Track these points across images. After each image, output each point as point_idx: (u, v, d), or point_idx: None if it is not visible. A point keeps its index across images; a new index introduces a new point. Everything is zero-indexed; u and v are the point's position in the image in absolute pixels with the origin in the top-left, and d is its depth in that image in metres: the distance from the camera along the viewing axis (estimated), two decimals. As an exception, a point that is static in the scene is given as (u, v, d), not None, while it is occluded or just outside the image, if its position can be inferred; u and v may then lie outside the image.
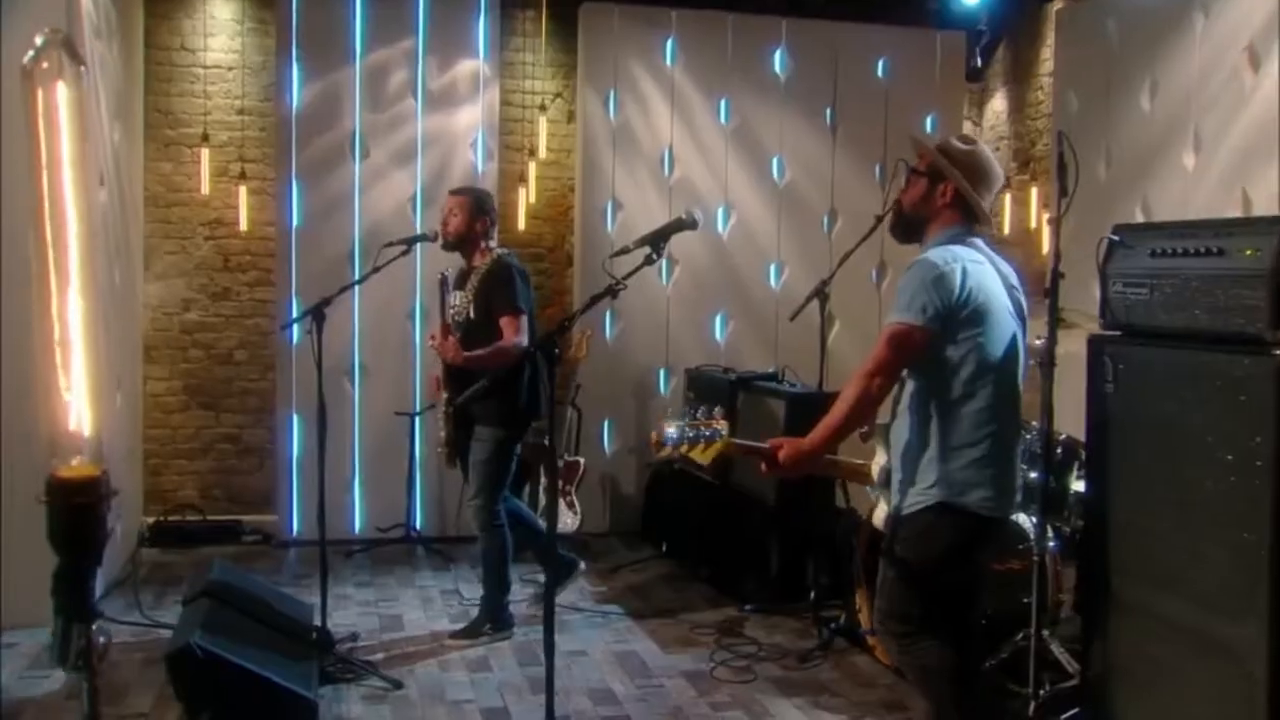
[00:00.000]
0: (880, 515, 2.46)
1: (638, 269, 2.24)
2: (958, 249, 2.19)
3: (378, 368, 4.88)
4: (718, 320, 5.23)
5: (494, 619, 3.58)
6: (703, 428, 1.98)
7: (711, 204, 5.16)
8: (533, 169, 5.03)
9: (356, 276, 4.63)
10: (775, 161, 5.26)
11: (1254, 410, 2.27)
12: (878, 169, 5.32)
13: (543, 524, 3.50)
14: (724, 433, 2.01)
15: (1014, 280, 2.26)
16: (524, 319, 3.42)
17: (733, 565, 4.17)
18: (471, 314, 3.45)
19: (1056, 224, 2.65)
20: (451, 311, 3.53)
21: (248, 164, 4.93)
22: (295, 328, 3.76)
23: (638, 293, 4.88)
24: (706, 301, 5.19)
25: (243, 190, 4.80)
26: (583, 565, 3.97)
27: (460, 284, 3.58)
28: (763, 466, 2.11)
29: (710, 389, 4.55)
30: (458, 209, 3.53)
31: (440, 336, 3.44)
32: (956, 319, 2.14)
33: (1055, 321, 2.66)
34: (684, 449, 1.96)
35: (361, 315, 4.82)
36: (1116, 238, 2.65)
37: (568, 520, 4.53)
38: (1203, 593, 2.37)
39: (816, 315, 3.59)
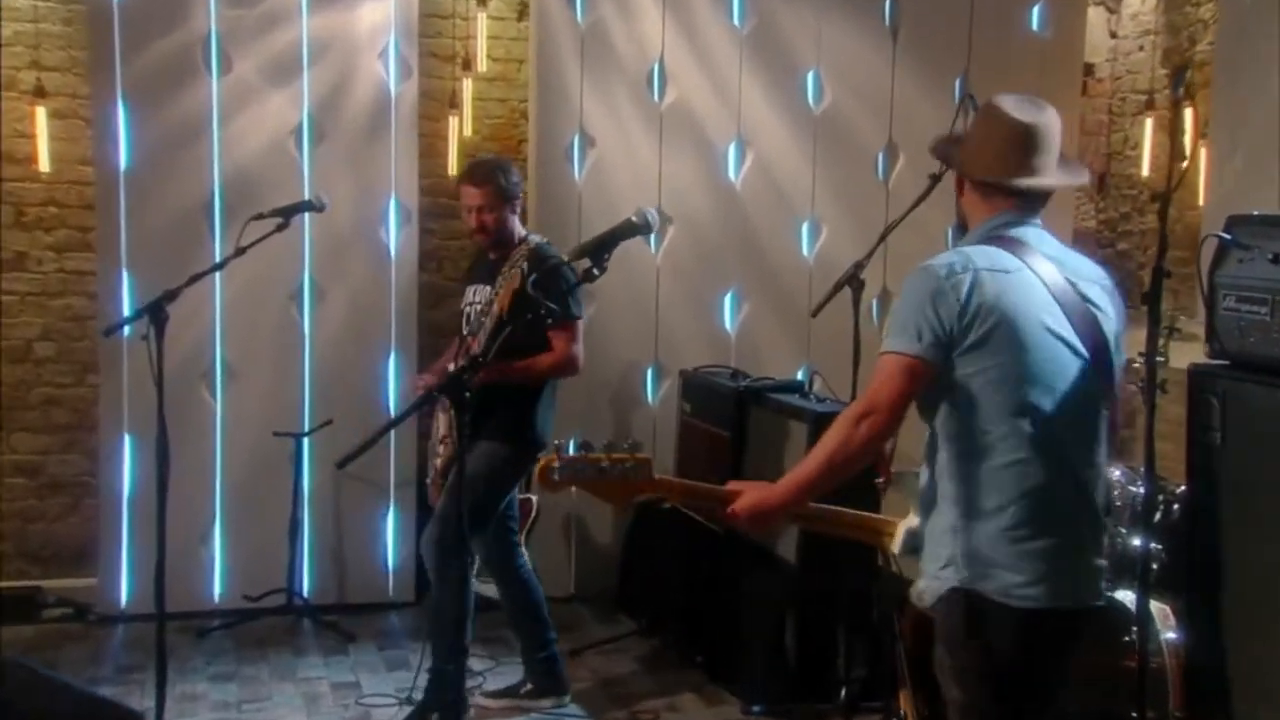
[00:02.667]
0: (920, 594, 2.41)
1: (574, 287, 2.39)
2: (977, 249, 2.24)
3: (249, 371, 4.74)
4: (726, 303, 5.16)
5: (443, 706, 3.57)
6: (613, 466, 2.03)
7: (720, 139, 5.08)
8: (468, 89, 4.92)
9: (216, 245, 4.59)
10: (810, 78, 5.16)
11: None
12: (956, 87, 5.13)
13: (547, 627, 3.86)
14: (637, 473, 2.05)
15: (1091, 286, 2.26)
16: (578, 326, 3.65)
17: (736, 647, 4.13)
18: (503, 317, 3.51)
19: (1164, 207, 2.56)
20: (474, 310, 3.69)
21: (46, 74, 4.67)
22: (127, 327, 3.67)
23: (617, 264, 4.71)
24: (712, 276, 5.12)
25: (40, 113, 4.57)
26: (568, 698, 3.96)
27: (483, 276, 3.72)
28: (714, 512, 2.20)
29: (710, 399, 4.52)
30: (487, 204, 3.66)
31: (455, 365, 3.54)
32: (962, 345, 2.17)
33: (1156, 333, 2.57)
34: (583, 482, 1.99)
35: (226, 297, 4.68)
36: (1228, 236, 2.61)
37: None
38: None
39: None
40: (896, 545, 2.37)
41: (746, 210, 5.08)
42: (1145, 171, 5.03)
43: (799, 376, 4.68)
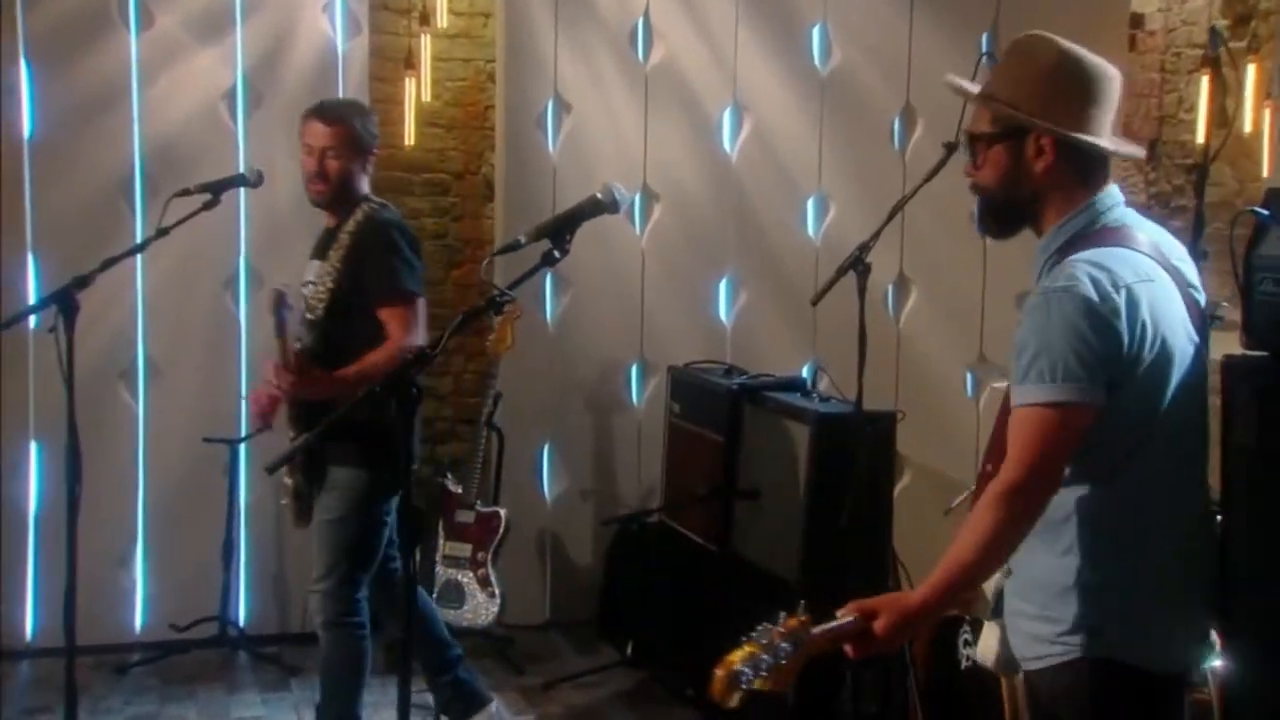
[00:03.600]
0: (990, 650, 2.32)
1: (531, 273, 2.38)
2: (1110, 255, 2.07)
3: (176, 368, 4.67)
4: (722, 290, 5.17)
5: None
6: (780, 643, 2.01)
7: (714, 103, 5.10)
8: (427, 47, 4.84)
9: (138, 225, 4.52)
10: (815, 33, 5.16)
11: None
12: (984, 42, 5.08)
13: (456, 653, 3.76)
14: (801, 640, 2.02)
15: (1189, 270, 2.19)
16: (418, 307, 3.48)
17: None
18: (335, 300, 3.45)
19: (1200, 180, 2.69)
20: (304, 295, 3.54)
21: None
22: (32, 318, 3.67)
23: (596, 247, 4.83)
24: (704, 260, 5.13)
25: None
26: (494, 704, 3.90)
27: (318, 251, 3.57)
28: (848, 650, 2.08)
29: (701, 399, 4.51)
30: (335, 144, 3.50)
31: (286, 368, 3.38)
32: (1133, 377, 2.03)
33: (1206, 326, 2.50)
34: (763, 683, 1.97)
35: (149, 284, 4.61)
36: (1265, 211, 2.56)
37: (481, 608, 4.42)
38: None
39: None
40: (989, 602, 2.28)
41: (743, 185, 5.07)
42: (1200, 138, 4.89)
43: (804, 373, 4.65)
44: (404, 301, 3.41)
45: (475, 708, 3.80)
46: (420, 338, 3.42)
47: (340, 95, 4.60)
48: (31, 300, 4.15)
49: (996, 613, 2.24)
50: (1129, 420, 2.04)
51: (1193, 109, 5.01)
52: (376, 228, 3.44)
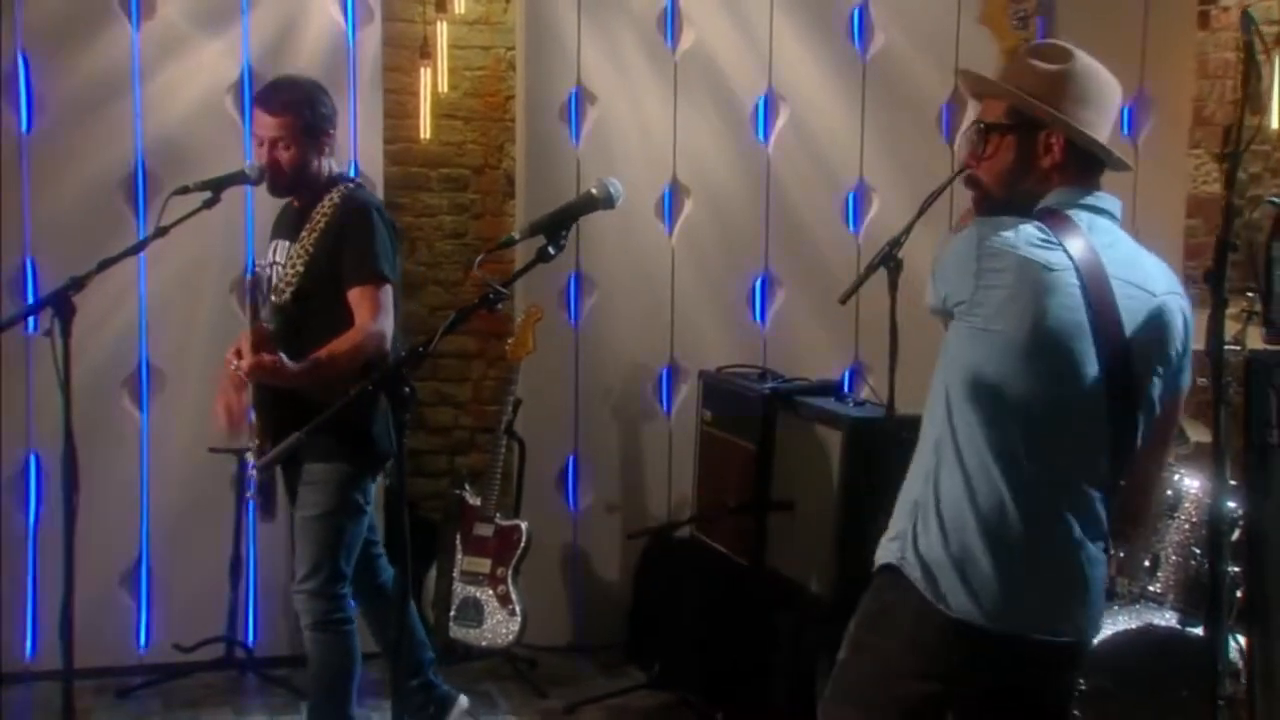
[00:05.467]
0: None
1: (524, 270, 2.47)
2: (1018, 221, 2.27)
3: (181, 376, 4.63)
4: (757, 290, 5.14)
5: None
6: None
7: (747, 92, 5.09)
8: (443, 34, 4.82)
9: (141, 226, 4.48)
10: (856, 16, 5.13)
11: None
12: (1039, 25, 5.00)
13: (428, 657, 3.83)
14: None
15: (1152, 286, 2.32)
16: (388, 291, 3.50)
17: (762, 700, 4.15)
18: (303, 283, 3.48)
19: (1232, 169, 2.55)
20: (268, 276, 3.60)
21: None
22: (29, 320, 3.62)
23: (623, 245, 4.93)
24: (738, 258, 5.10)
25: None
26: (464, 702, 3.97)
27: (285, 230, 3.62)
28: None
29: (733, 405, 4.50)
30: (284, 135, 3.52)
31: (248, 352, 3.41)
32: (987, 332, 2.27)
33: (1221, 316, 2.57)
34: None
35: (153, 288, 4.60)
36: None
37: (500, 626, 4.38)
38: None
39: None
40: None
41: (779, 178, 5.05)
42: (1275, 123, 4.80)
43: (835, 377, 4.62)
44: (375, 283, 3.43)
45: (448, 707, 3.86)
46: (389, 325, 3.46)
47: (353, 86, 4.60)
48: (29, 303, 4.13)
49: None
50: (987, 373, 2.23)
51: (1271, 91, 4.85)
52: (355, 209, 3.48)
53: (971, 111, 4.93)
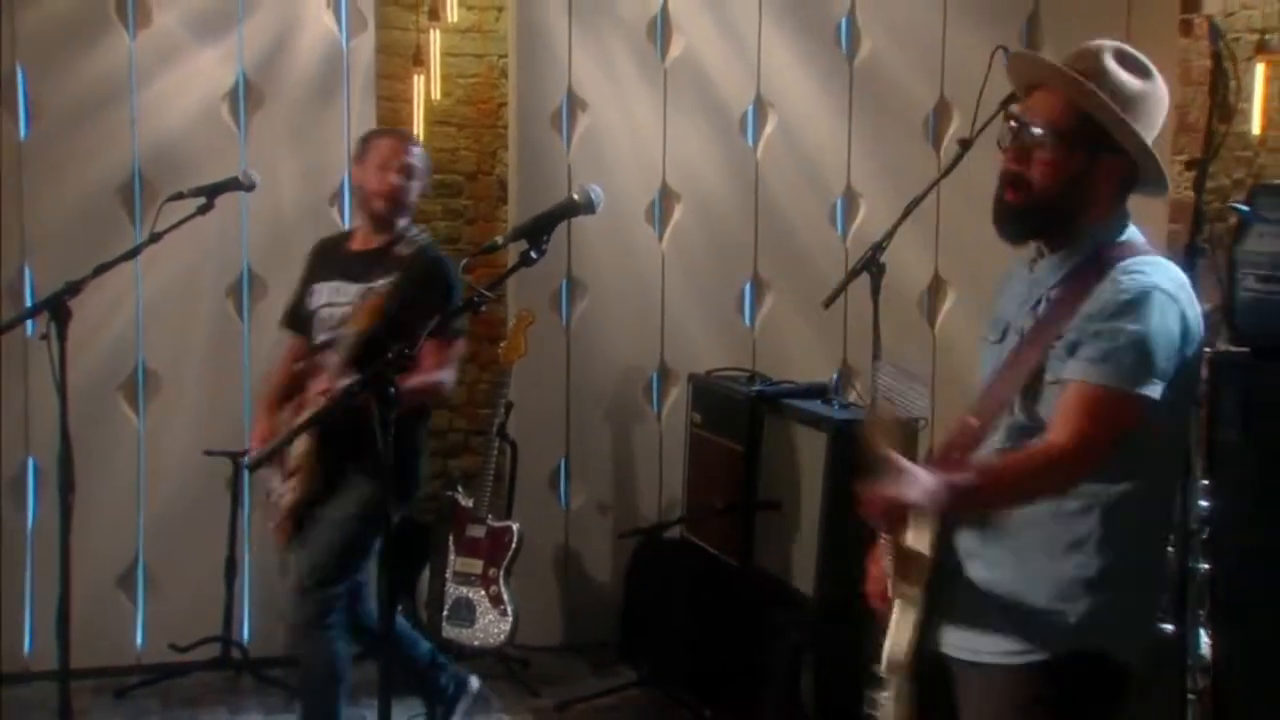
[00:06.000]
0: (905, 641, 2.25)
1: (507, 275, 2.51)
2: (1160, 261, 2.16)
3: (177, 379, 4.69)
4: (746, 294, 5.16)
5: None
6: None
7: (736, 99, 5.09)
8: (436, 42, 4.84)
9: (137, 232, 4.51)
10: (844, 24, 5.15)
11: None
12: (1024, 31, 5.07)
13: (425, 648, 3.89)
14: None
15: None
16: (459, 347, 3.74)
17: (750, 697, 4.17)
18: (377, 326, 3.54)
19: (1200, 175, 2.96)
20: (331, 311, 3.68)
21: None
22: (27, 324, 3.70)
23: (614, 250, 4.97)
24: (727, 262, 5.13)
25: (-82, 76, 4.57)
26: (475, 684, 4.03)
27: (347, 271, 3.70)
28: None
29: (722, 408, 4.56)
30: (419, 169, 3.78)
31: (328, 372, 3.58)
32: (1177, 384, 2.13)
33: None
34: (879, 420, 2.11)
35: (149, 292, 4.63)
36: (1246, 208, 2.82)
37: (492, 626, 4.41)
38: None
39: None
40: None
41: (768, 184, 5.07)
42: (1256, 129, 4.81)
43: (824, 380, 4.60)
44: (452, 339, 3.61)
45: (464, 686, 3.95)
46: (453, 378, 3.71)
47: (347, 93, 4.66)
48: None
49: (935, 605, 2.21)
50: (1163, 423, 2.10)
51: (1251, 98, 4.88)
52: (435, 260, 3.66)
53: (959, 119, 5.01)
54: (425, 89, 4.79)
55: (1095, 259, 2.11)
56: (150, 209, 4.39)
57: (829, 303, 3.38)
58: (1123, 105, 2.07)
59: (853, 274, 3.29)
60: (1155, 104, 2.13)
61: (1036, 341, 2.14)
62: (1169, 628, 3.27)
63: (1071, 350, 2.07)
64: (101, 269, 3.19)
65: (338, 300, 3.64)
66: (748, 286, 5.07)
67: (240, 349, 4.68)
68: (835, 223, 5.11)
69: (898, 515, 2.10)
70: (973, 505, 2.12)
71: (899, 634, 2.20)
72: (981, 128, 3.11)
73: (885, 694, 2.25)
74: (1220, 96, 2.72)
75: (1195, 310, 2.12)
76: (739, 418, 4.31)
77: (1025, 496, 2.09)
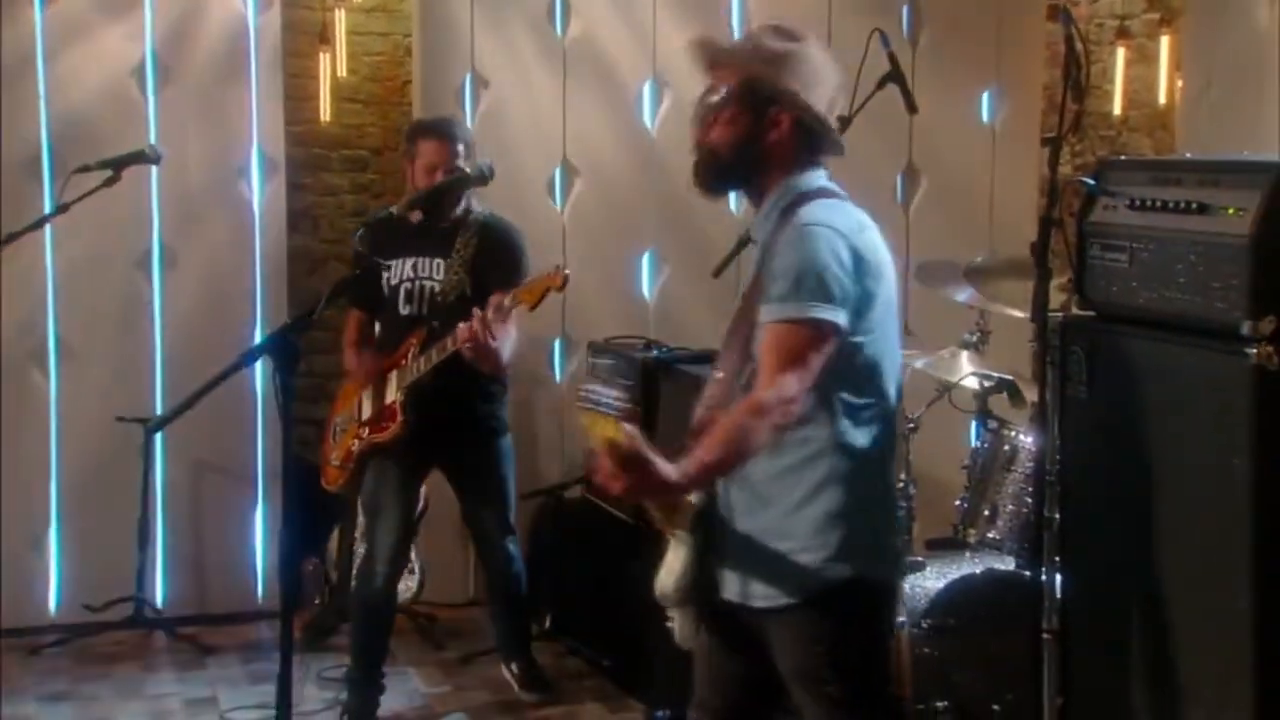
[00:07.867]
0: (675, 576, 2.48)
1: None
2: (838, 204, 2.36)
3: (88, 348, 4.74)
4: (644, 265, 5.19)
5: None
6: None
7: (632, 79, 5.12)
8: (342, 21, 4.91)
9: (47, 205, 4.46)
10: (734, 5, 5.16)
11: (1231, 425, 2.58)
12: (905, 13, 5.21)
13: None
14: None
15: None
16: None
17: (645, 649, 4.16)
18: (467, 292, 3.84)
19: (1054, 153, 2.84)
20: (418, 285, 3.90)
21: None
22: None
23: (516, 222, 4.87)
24: (626, 236, 5.16)
25: None
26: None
27: (422, 247, 3.87)
28: (601, 467, 2.18)
29: (619, 372, 4.58)
30: (466, 159, 3.84)
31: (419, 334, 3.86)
32: (868, 315, 2.32)
33: (1044, 288, 2.79)
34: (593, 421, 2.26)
35: (60, 264, 4.66)
36: (1092, 181, 2.90)
37: (400, 584, 4.37)
38: (1182, 685, 2.73)
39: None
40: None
41: (665, 159, 5.01)
42: (1117, 109, 5.08)
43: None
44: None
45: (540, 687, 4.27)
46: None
47: (254, 70, 4.70)
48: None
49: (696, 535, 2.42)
50: (869, 357, 2.30)
51: (1114, 80, 5.13)
52: (506, 228, 3.97)
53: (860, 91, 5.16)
54: (331, 66, 4.84)
55: (791, 210, 2.32)
56: (60, 181, 4.27)
57: (718, 272, 3.47)
58: (767, 62, 2.32)
59: (740, 245, 3.35)
60: (803, 61, 2.34)
61: (752, 293, 2.37)
62: (1027, 573, 3.34)
63: (766, 296, 2.29)
64: (10, 239, 3.26)
65: (424, 276, 3.85)
66: (645, 258, 5.13)
67: (150, 319, 4.73)
68: (729, 198, 5.15)
69: (652, 500, 2.38)
70: (709, 477, 2.30)
71: (670, 568, 2.44)
72: (859, 106, 3.44)
73: (671, 613, 2.50)
74: (1073, 78, 2.90)
75: (874, 247, 2.31)
76: (634, 382, 4.39)
77: (750, 450, 2.22)
